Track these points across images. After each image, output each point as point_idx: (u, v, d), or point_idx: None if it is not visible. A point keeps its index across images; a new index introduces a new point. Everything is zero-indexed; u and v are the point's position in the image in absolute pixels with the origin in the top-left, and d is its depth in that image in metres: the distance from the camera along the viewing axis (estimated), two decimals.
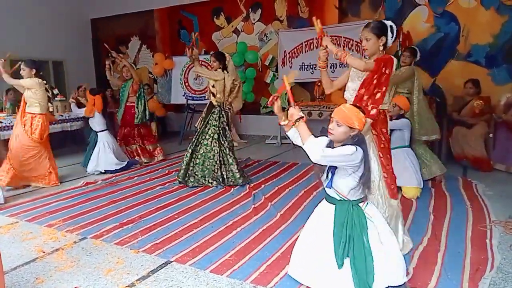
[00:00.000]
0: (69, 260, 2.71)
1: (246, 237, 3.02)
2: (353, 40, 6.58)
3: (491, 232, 3.00)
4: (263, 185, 4.46)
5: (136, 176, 5.03)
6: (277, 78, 7.30)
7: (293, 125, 2.14)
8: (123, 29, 9.45)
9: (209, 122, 4.53)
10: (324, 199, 2.26)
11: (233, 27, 8.08)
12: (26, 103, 4.48)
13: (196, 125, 4.66)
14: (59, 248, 2.89)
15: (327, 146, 2.10)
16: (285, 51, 7.27)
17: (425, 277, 2.35)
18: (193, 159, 4.51)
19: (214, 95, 4.52)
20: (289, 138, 2.35)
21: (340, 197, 2.11)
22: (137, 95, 5.79)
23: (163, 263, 2.63)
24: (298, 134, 2.14)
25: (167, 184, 4.59)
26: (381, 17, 6.45)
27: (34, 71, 4.49)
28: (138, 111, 5.75)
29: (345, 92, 2.74)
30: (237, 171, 4.49)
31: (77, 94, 5.80)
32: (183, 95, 7.88)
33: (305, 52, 7.08)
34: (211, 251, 2.79)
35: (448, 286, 2.26)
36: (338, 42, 6.73)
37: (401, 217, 2.72)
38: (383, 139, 2.63)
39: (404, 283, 2.17)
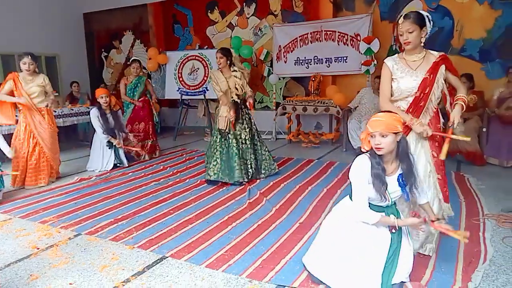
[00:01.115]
0: (63, 256, 2.70)
1: (242, 232, 3.02)
2: (347, 35, 6.57)
3: (484, 225, 3.03)
4: (258, 180, 4.46)
5: (131, 172, 5.01)
6: (272, 73, 7.28)
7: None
8: (116, 23, 9.36)
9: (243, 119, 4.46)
10: None
11: (227, 21, 8.03)
12: (32, 99, 4.38)
13: (224, 128, 4.37)
14: (54, 245, 2.88)
15: (374, 164, 1.98)
16: (280, 46, 7.25)
17: (419, 270, 2.37)
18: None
19: (238, 95, 4.42)
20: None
21: (392, 202, 2.09)
22: (147, 94, 5.86)
23: (158, 259, 2.63)
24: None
25: (162, 180, 4.58)
26: (375, 12, 6.44)
27: (37, 64, 4.45)
28: (155, 109, 5.90)
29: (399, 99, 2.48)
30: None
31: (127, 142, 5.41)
32: (177, 90, 7.84)
33: (300, 46, 7.06)
34: (206, 246, 2.79)
35: (441, 279, 2.28)
36: (332, 37, 6.72)
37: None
38: (439, 136, 2.45)
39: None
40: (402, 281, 2.13)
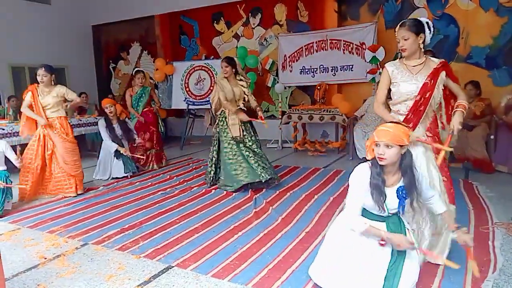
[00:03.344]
0: (70, 266, 2.71)
1: (248, 241, 3.01)
2: (353, 44, 6.59)
3: (493, 234, 2.98)
4: (264, 189, 4.45)
5: (138, 182, 5.03)
6: (278, 82, 7.32)
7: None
8: (124, 35, 9.52)
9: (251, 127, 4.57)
10: (363, 216, 2.09)
11: (233, 32, 8.12)
12: (44, 109, 4.35)
13: (238, 136, 4.43)
14: (61, 254, 2.90)
15: (374, 174, 1.97)
16: (285, 55, 7.30)
17: (428, 279, 2.34)
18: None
19: (246, 102, 4.54)
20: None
21: (388, 213, 2.07)
22: (153, 103, 5.89)
23: (164, 268, 2.63)
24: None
25: (168, 189, 4.59)
26: (380, 20, 6.48)
27: (53, 76, 4.42)
28: (160, 120, 5.91)
29: (398, 105, 2.52)
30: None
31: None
32: (184, 100, 7.90)
33: (305, 56, 7.10)
34: (212, 256, 2.79)
35: None
36: (338, 46, 6.75)
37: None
38: (437, 139, 2.50)
39: None
40: None
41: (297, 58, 7.21)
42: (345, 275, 2.09)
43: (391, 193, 2.00)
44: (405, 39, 2.41)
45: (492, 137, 4.96)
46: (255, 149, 4.48)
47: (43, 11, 8.68)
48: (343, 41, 6.70)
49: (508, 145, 4.80)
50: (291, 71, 7.28)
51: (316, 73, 7.06)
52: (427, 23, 2.42)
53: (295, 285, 2.34)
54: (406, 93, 2.47)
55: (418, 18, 2.46)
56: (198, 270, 2.58)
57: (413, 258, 2.10)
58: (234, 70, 4.43)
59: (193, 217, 3.63)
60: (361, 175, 2.02)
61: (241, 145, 4.43)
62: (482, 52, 5.83)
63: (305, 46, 7.09)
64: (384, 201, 1.98)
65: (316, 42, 6.97)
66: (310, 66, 7.10)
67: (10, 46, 7.92)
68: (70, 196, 4.43)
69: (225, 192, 4.37)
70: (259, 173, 4.26)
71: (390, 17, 6.42)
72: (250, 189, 4.40)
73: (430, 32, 2.43)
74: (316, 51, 7.00)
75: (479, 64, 5.86)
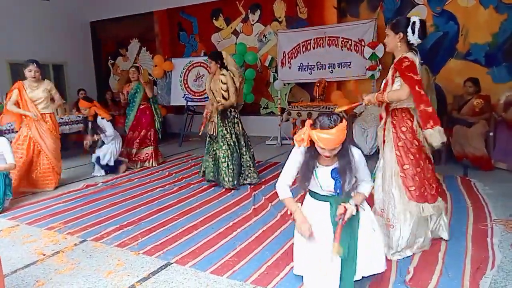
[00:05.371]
0: (69, 262, 2.71)
1: (247, 238, 3.02)
2: (351, 40, 6.57)
3: (492, 230, 2.99)
4: (263, 186, 4.45)
5: (136, 178, 5.03)
6: (277, 78, 7.30)
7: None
8: (123, 31, 9.47)
9: (228, 125, 4.44)
10: (311, 198, 2.24)
11: (232, 28, 8.09)
12: (36, 106, 4.46)
13: (209, 132, 4.50)
14: (60, 251, 2.90)
15: (308, 156, 2.11)
16: (284, 52, 7.27)
17: (426, 276, 2.35)
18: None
19: (226, 99, 4.34)
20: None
21: (333, 193, 2.11)
22: (152, 100, 5.79)
23: (163, 265, 2.63)
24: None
25: (167, 186, 4.59)
26: (380, 17, 6.45)
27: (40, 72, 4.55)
28: (157, 117, 5.80)
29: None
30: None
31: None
32: (183, 97, 7.88)
33: (303, 52, 7.08)
34: (211, 252, 2.79)
35: (449, 285, 2.25)
36: (336, 43, 6.74)
37: (424, 220, 2.67)
38: (403, 137, 2.57)
39: (404, 281, 2.18)
40: (363, 276, 2.07)
41: (295, 55, 7.19)
42: (310, 260, 2.15)
43: (325, 172, 2.07)
44: (387, 36, 2.61)
45: (491, 134, 4.96)
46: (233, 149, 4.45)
47: (41, 7, 8.62)
48: (342, 38, 6.67)
49: (507, 142, 4.80)
50: (290, 67, 7.26)
51: (314, 70, 7.04)
52: (413, 22, 2.47)
53: (293, 282, 2.34)
54: (383, 88, 2.67)
55: (409, 17, 2.53)
56: (197, 266, 2.58)
57: (368, 239, 2.08)
58: (219, 64, 4.36)
59: (192, 213, 3.63)
60: (297, 154, 2.14)
61: (217, 143, 4.44)
62: (482, 49, 5.81)
63: (303, 42, 7.06)
64: (310, 177, 2.09)
65: (313, 39, 6.94)
66: (308, 63, 7.08)
67: (8, 42, 7.88)
68: (49, 190, 4.56)
69: (224, 189, 4.37)
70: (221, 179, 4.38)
71: (390, 14, 6.39)
72: (249, 186, 4.41)
73: (414, 32, 2.47)
74: (314, 48, 6.97)
75: (479, 61, 5.85)
